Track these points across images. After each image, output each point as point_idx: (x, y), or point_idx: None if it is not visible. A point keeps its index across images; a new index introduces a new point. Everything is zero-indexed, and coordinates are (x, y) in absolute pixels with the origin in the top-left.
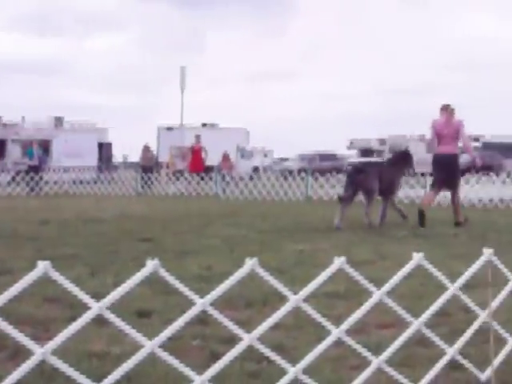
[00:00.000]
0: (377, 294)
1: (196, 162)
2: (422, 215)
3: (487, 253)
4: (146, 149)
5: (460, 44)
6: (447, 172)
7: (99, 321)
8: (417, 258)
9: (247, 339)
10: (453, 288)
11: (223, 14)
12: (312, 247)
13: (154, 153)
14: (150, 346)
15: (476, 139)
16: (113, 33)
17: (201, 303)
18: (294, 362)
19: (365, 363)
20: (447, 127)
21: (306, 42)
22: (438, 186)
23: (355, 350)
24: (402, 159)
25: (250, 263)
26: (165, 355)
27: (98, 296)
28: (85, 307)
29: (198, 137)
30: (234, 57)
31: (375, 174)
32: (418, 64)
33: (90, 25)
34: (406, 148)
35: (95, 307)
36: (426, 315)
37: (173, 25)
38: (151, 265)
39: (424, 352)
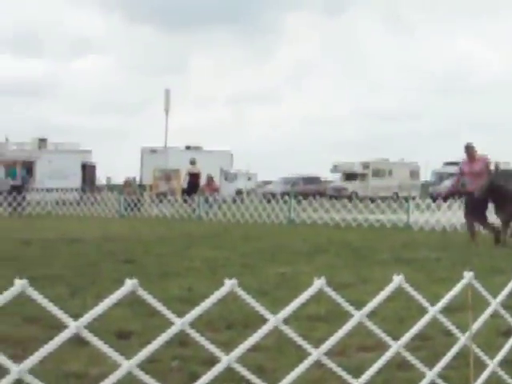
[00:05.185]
0: (357, 316)
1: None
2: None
3: (468, 276)
4: (127, 184)
5: (445, 69)
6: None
7: (78, 341)
8: (397, 280)
9: (226, 360)
10: (433, 311)
11: (207, 37)
12: (294, 270)
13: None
14: (127, 365)
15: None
16: (98, 55)
17: (180, 323)
18: (273, 383)
19: None
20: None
21: (290, 67)
22: None
23: (335, 373)
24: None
25: (230, 284)
26: (142, 374)
27: (77, 316)
28: (64, 327)
29: (193, 161)
30: (218, 80)
31: None
32: (401, 89)
33: (76, 47)
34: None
35: (72, 326)
36: (406, 338)
37: (158, 48)
38: (130, 284)
39: (404, 375)
